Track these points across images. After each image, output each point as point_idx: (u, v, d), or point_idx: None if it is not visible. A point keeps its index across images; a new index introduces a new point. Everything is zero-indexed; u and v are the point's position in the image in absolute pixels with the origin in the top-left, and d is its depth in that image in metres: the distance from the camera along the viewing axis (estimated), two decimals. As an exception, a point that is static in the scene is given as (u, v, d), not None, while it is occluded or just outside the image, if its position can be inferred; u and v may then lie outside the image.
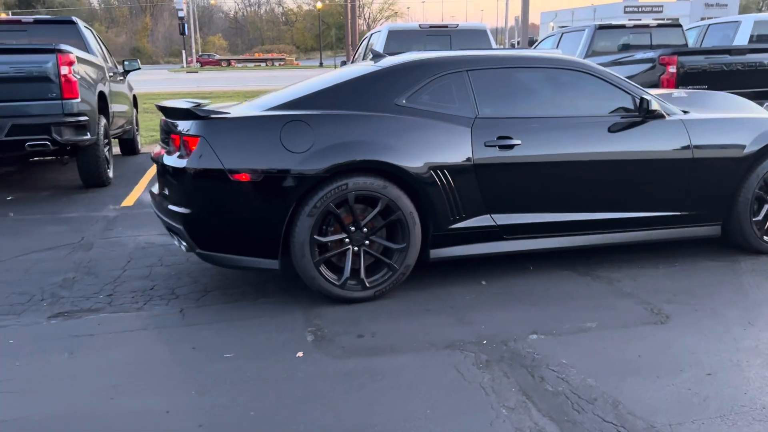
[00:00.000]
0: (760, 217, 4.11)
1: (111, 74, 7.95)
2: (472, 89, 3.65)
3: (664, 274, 3.83)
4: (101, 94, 6.96)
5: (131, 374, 2.69)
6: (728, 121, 4.04)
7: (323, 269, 3.35)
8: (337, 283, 3.35)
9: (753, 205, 4.05)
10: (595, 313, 3.26)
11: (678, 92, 4.88)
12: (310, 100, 3.50)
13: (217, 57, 62.27)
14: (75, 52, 6.24)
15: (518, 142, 3.58)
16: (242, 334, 3.08)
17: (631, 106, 3.85)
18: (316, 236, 3.28)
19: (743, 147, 3.94)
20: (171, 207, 3.37)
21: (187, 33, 58.84)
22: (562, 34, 9.83)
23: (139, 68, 9.50)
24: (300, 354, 2.84)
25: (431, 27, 8.91)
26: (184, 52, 57.51)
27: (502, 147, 3.55)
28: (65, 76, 5.99)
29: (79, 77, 6.16)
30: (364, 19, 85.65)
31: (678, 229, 4.00)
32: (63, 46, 6.02)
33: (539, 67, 3.85)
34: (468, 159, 3.49)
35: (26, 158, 7.40)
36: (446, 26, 9.03)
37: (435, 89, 3.61)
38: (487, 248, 3.67)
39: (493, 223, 3.62)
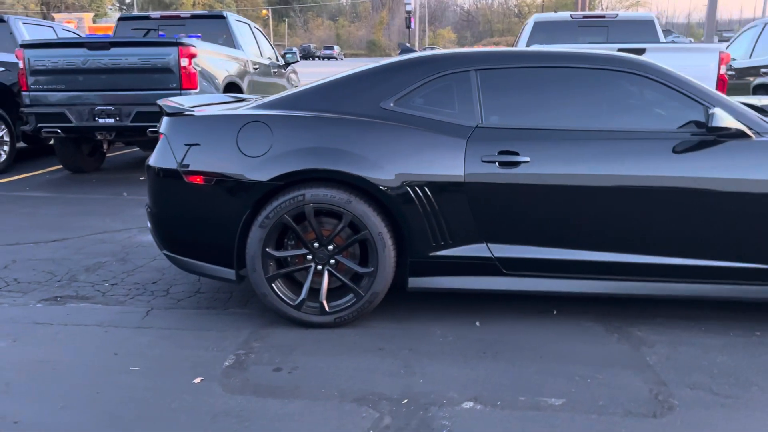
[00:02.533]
0: None
1: (257, 67, 8.28)
2: (479, 92, 3.06)
3: (720, 346, 2.88)
4: (232, 85, 7.27)
5: (30, 374, 2.66)
6: None
7: (279, 286, 3.04)
8: (292, 303, 3.03)
9: None
10: (578, 386, 2.53)
11: None
12: (296, 100, 3.19)
13: (438, 49, 63.30)
14: (200, 46, 6.57)
15: (526, 159, 2.91)
16: (175, 345, 2.91)
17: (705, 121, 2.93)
18: (268, 249, 2.98)
19: None
20: (147, 203, 3.31)
21: (413, 26, 60.75)
22: (766, 25, 8.13)
23: (297, 61, 9.84)
24: (198, 380, 2.59)
25: (585, 17, 7.92)
26: (408, 44, 59.39)
27: (504, 164, 2.92)
28: (185, 67, 6.33)
29: (199, 69, 6.48)
30: (602, 8, 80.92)
31: (762, 287, 2.98)
32: (185, 40, 6.37)
33: (574, 66, 3.09)
34: (458, 176, 2.93)
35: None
36: (603, 16, 7.96)
37: (432, 91, 3.08)
38: (481, 283, 3.07)
39: (489, 255, 3.00)
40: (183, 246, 3.16)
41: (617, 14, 7.87)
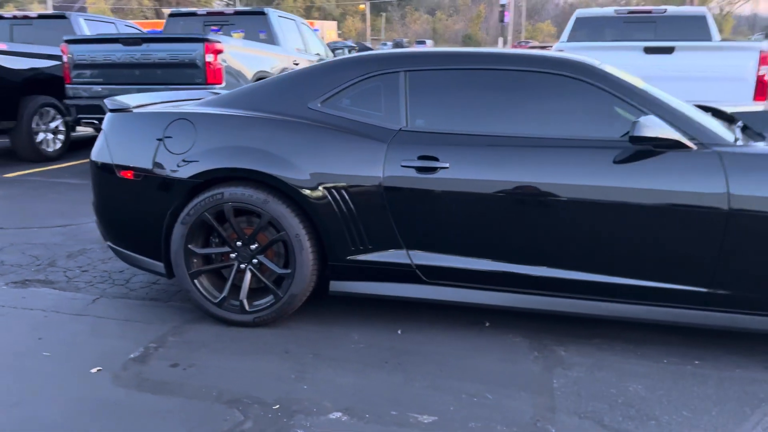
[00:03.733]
0: None
1: (297, 63, 8.41)
2: (406, 95, 2.97)
3: (643, 374, 2.66)
4: (263, 81, 7.41)
5: (-48, 351, 2.84)
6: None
7: (202, 283, 3.09)
8: (214, 301, 3.07)
9: None
10: (460, 404, 2.43)
11: None
12: (234, 98, 3.23)
13: (532, 43, 61.74)
14: (227, 42, 6.75)
15: (445, 164, 2.81)
16: (98, 333, 3.03)
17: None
18: (190, 246, 3.04)
19: (836, 204, 2.49)
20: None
21: (507, 20, 59.66)
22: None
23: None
24: (95, 370, 2.68)
25: (630, 13, 7.46)
26: (501, 39, 58.36)
27: (422, 169, 2.82)
28: (210, 63, 6.53)
29: (225, 64, 6.66)
30: (717, 1, 76.02)
31: (707, 314, 2.73)
32: (211, 36, 6.56)
33: (504, 68, 2.93)
34: (376, 180, 2.86)
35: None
36: (649, 11, 7.46)
37: (360, 93, 3.02)
38: (402, 290, 2.99)
39: (409, 261, 2.92)
40: (120, 238, 3.27)
41: (665, 9, 7.37)
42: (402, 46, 65.85)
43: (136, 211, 3.14)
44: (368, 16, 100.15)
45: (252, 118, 3.00)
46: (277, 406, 2.41)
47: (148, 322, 3.16)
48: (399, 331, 3.06)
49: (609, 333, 3.03)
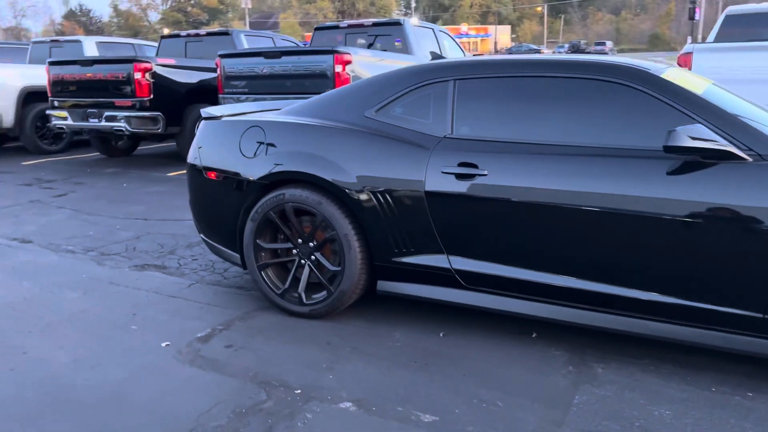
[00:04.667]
0: None
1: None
2: (453, 103, 3.05)
3: (679, 399, 2.50)
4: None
5: (68, 319, 3.39)
6: None
7: (268, 275, 3.40)
8: (277, 291, 3.37)
9: None
10: (467, 408, 2.47)
11: None
12: (304, 107, 3.51)
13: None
14: (357, 53, 7.15)
15: (484, 172, 2.85)
16: (181, 314, 3.44)
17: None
18: (258, 241, 3.36)
19: None
20: (193, 193, 3.90)
21: (698, 17, 55.18)
22: None
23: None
24: (165, 344, 3.08)
25: (789, 9, 6.65)
26: (690, 37, 54.11)
27: (461, 176, 2.89)
28: (338, 73, 6.97)
29: (353, 74, 7.06)
30: None
31: (759, 341, 2.51)
32: (341, 48, 6.99)
33: (551, 75, 2.89)
34: (419, 185, 2.98)
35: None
36: (813, 7, 6.59)
37: (411, 101, 3.15)
38: (442, 294, 3.07)
39: (448, 266, 3.00)
40: (208, 231, 3.68)
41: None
42: (579, 49, 63.46)
43: (219, 208, 3.52)
44: (545, 18, 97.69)
45: (312, 125, 3.25)
46: (299, 391, 2.62)
47: (225, 306, 3.53)
48: (441, 334, 3.13)
49: (664, 355, 2.86)
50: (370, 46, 8.70)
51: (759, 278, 2.42)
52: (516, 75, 2.96)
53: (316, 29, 9.35)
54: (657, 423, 2.34)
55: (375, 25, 8.82)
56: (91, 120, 8.28)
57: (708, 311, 2.54)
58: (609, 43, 64.19)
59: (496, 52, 76.07)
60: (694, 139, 2.40)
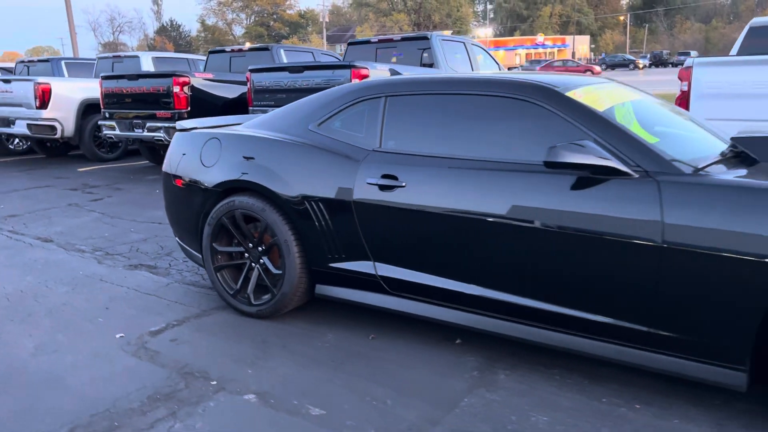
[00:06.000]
0: (824, 382, 2.22)
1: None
2: (383, 118, 3.23)
3: (564, 407, 2.58)
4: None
5: (51, 310, 3.77)
6: (763, 192, 2.29)
7: (224, 276, 3.67)
8: (230, 292, 3.63)
9: (804, 354, 2.23)
10: (357, 405, 2.63)
11: None
12: (265, 120, 3.76)
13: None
14: (375, 67, 7.39)
15: (402, 184, 3.02)
16: (148, 309, 3.76)
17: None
18: (214, 244, 3.64)
19: (785, 245, 2.21)
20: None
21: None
22: None
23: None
24: (119, 335, 3.40)
25: (816, 20, 6.34)
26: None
27: (383, 187, 3.07)
28: (356, 86, 7.20)
29: (371, 87, 7.29)
30: None
31: (645, 354, 2.55)
32: (358, 63, 7.25)
33: (470, 93, 3.02)
34: (347, 196, 3.17)
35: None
36: (841, 18, 6.26)
37: (349, 116, 3.35)
38: (371, 299, 3.24)
39: (374, 272, 3.17)
40: (179, 234, 3.99)
41: None
42: (661, 59, 61.28)
43: (185, 213, 3.82)
44: (628, 27, 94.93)
45: (260, 137, 3.49)
46: (215, 383, 2.85)
47: (189, 304, 3.82)
48: (371, 337, 3.29)
49: (575, 366, 2.92)
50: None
51: (642, 293, 2.46)
52: (437, 92, 3.11)
53: (350, 44, 9.65)
54: (529, 428, 2.42)
55: (404, 39, 9.03)
56: (136, 130, 8.88)
57: (601, 323, 2.59)
58: (694, 53, 61.59)
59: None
60: (572, 155, 2.48)
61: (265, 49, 9.98)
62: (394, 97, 3.22)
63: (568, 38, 76.41)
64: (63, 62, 12.50)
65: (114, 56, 11.82)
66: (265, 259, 3.49)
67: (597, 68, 46.65)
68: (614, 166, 2.49)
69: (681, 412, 2.52)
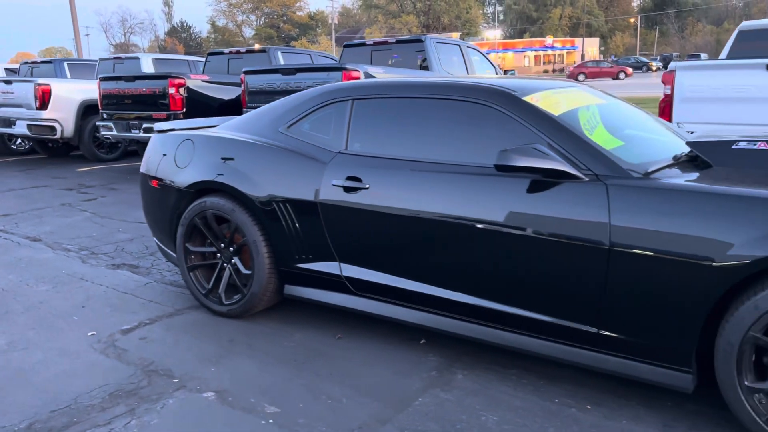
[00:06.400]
0: (765, 385, 2.24)
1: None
2: (349, 120, 3.27)
3: (516, 407, 2.61)
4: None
5: (28, 307, 3.84)
6: (708, 196, 2.31)
7: (197, 276, 3.72)
8: (202, 291, 3.68)
9: (745, 356, 2.25)
10: (312, 403, 2.67)
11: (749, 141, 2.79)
12: (242, 121, 3.82)
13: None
14: (365, 69, 7.43)
15: (366, 185, 3.06)
16: (120, 308, 3.81)
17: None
18: (187, 244, 3.69)
19: (727, 247, 2.23)
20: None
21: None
22: None
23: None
24: (90, 333, 3.45)
25: (805, 24, 6.32)
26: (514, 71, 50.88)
27: (347, 189, 3.11)
28: (347, 88, 7.25)
29: (362, 89, 7.33)
30: None
31: (595, 355, 2.58)
32: (349, 65, 7.29)
33: (429, 96, 3.06)
34: (313, 198, 3.21)
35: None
36: (830, 21, 6.24)
37: (317, 119, 3.39)
38: (337, 299, 3.28)
39: (339, 273, 3.21)
40: (156, 233, 4.05)
41: None
42: (671, 61, 60.89)
43: (160, 213, 3.88)
44: (639, 29, 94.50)
45: (232, 139, 3.54)
46: (177, 380, 2.90)
47: (164, 304, 3.87)
48: (338, 336, 3.33)
49: (532, 367, 2.95)
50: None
51: (591, 295, 2.49)
52: (401, 96, 3.15)
53: (345, 46, 9.70)
54: (477, 427, 2.45)
55: (398, 42, 9.07)
56: (133, 131, 8.96)
57: (553, 324, 2.62)
58: (704, 56, 61.19)
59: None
60: (521, 158, 2.51)
61: (263, 51, 10.04)
62: (360, 100, 3.25)
63: (578, 40, 76.14)
64: (66, 63, 12.61)
65: (115, 58, 11.93)
66: (236, 260, 3.54)
67: (630, 70, 46.42)
68: (563, 169, 2.51)
69: (631, 413, 2.54)
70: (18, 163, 10.80)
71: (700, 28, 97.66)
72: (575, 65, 51.66)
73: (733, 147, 2.68)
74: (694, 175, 2.54)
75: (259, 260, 3.38)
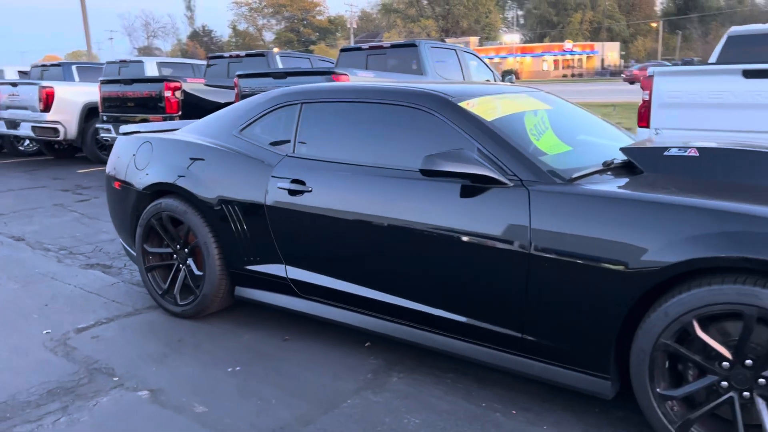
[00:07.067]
0: (677, 392, 2.23)
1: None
2: (297, 124, 3.30)
3: (443, 410, 2.61)
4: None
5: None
6: (624, 202, 2.30)
7: (155, 276, 3.77)
8: (159, 292, 3.73)
9: (657, 363, 2.24)
10: (245, 402, 2.70)
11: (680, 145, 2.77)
12: (201, 125, 3.87)
13: None
14: (354, 74, 7.47)
15: (309, 188, 3.08)
16: (81, 307, 3.87)
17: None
18: (145, 245, 3.75)
19: (641, 252, 2.22)
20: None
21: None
22: None
23: (513, 82, 10.00)
24: (45, 331, 3.51)
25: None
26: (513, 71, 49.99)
27: (292, 192, 3.14)
28: (335, 92, 7.29)
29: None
30: None
31: (521, 360, 2.58)
32: (338, 69, 7.34)
33: (374, 102, 3.08)
34: (261, 200, 3.25)
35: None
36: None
37: (269, 122, 3.42)
38: (283, 301, 3.31)
39: (285, 275, 3.24)
40: (121, 233, 4.11)
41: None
42: (692, 65, 60.14)
43: (122, 214, 3.94)
44: (661, 34, 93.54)
45: (187, 142, 3.59)
46: (117, 379, 2.95)
47: (125, 303, 3.93)
48: (285, 338, 3.36)
49: (470, 371, 2.95)
50: None
51: (515, 299, 2.49)
52: (346, 100, 3.17)
53: (342, 51, 9.75)
54: (399, 430, 2.46)
55: (393, 46, 9.10)
56: (130, 134, 9.08)
57: (481, 328, 2.62)
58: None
59: (603, 69, 73.67)
60: (445, 163, 2.51)
61: (261, 55, 10.13)
62: (308, 104, 3.28)
63: (597, 45, 75.58)
64: (74, 66, 12.81)
65: (120, 61, 12.11)
66: (190, 261, 3.58)
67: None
68: (488, 174, 2.52)
69: (554, 418, 2.53)
70: (23, 165, 11.00)
71: (724, 33, 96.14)
72: (643, 64, 50.67)
73: (665, 153, 2.66)
74: (620, 182, 2.53)
75: (210, 262, 3.42)
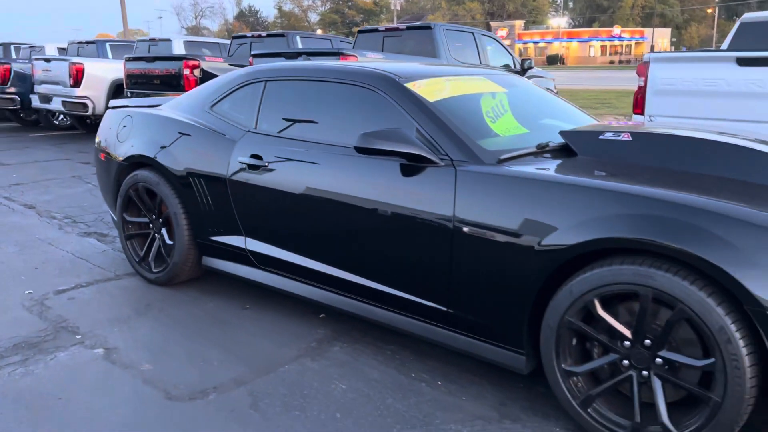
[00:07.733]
0: (580, 369, 2.29)
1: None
2: (261, 101, 3.41)
3: (373, 379, 2.72)
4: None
5: (-18, 267, 4.19)
6: (541, 183, 2.35)
7: (133, 245, 3.96)
8: (136, 260, 3.92)
9: (563, 340, 2.30)
10: (188, 362, 2.85)
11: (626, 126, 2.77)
12: (180, 101, 4.02)
13: None
14: (364, 54, 7.55)
15: (266, 164, 3.21)
16: (67, 272, 4.08)
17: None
18: (124, 215, 3.94)
19: (550, 231, 2.28)
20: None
21: None
22: None
23: (532, 67, 9.94)
24: (27, 291, 3.74)
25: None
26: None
27: (251, 167, 3.26)
28: (344, 73, 7.39)
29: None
30: None
31: (447, 333, 2.67)
32: (347, 51, 7.43)
33: (325, 80, 3.16)
34: (224, 174, 3.38)
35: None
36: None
37: (236, 99, 3.55)
38: (243, 271, 3.45)
39: (244, 246, 3.38)
40: (106, 202, 4.32)
41: None
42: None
43: (107, 184, 4.13)
44: (716, 20, 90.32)
45: (163, 117, 3.75)
46: (79, 337, 3.14)
47: (108, 269, 4.13)
48: (245, 307, 3.50)
49: (412, 344, 3.04)
50: None
51: (442, 274, 2.56)
52: (304, 79, 3.26)
53: (359, 32, 9.81)
54: (323, 394, 2.58)
55: (409, 29, 9.12)
56: (152, 110, 9.36)
57: (413, 302, 2.71)
58: None
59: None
60: (378, 141, 2.59)
61: (281, 35, 10.27)
62: (272, 82, 3.39)
63: (647, 31, 73.49)
64: (108, 44, 13.20)
65: (150, 40, 12.43)
66: (164, 231, 3.75)
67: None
68: (419, 153, 2.58)
69: (476, 390, 2.61)
70: (55, 138, 11.42)
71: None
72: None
73: (600, 138, 2.69)
74: (547, 164, 2.57)
75: (179, 232, 3.58)
